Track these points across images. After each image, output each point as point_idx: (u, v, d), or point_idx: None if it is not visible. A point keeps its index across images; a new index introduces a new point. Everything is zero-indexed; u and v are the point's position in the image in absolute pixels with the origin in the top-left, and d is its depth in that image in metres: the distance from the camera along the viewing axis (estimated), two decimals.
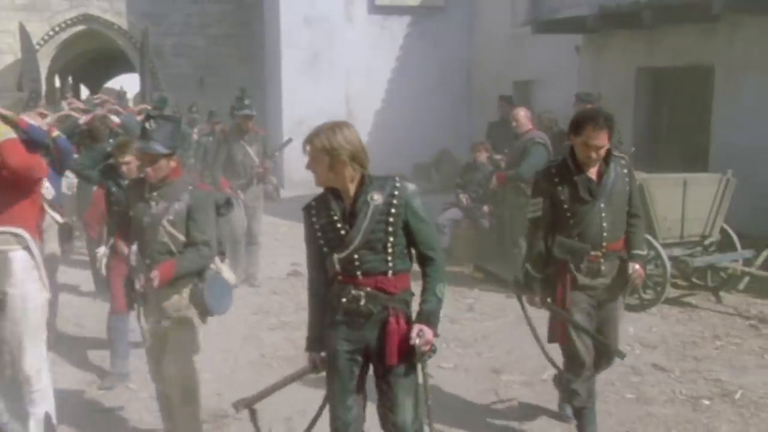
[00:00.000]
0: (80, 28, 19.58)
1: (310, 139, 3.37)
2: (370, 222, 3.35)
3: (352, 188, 3.38)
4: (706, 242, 7.87)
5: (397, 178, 3.45)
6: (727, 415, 5.18)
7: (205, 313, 4.31)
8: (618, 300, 4.57)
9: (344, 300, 3.43)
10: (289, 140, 9.03)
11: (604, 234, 4.36)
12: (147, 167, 4.22)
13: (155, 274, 4.08)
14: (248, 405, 3.65)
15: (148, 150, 4.17)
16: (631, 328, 6.90)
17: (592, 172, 4.36)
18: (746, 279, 7.88)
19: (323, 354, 3.59)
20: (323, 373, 3.62)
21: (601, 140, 4.20)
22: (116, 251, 4.92)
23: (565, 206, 4.37)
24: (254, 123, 8.80)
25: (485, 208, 9.37)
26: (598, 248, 4.37)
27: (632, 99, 11.74)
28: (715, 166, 9.54)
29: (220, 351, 6.44)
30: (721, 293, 7.92)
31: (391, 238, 3.38)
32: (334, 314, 3.49)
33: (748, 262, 7.87)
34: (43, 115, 7.74)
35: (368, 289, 3.40)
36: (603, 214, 4.34)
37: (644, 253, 4.64)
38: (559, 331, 4.54)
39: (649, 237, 6.92)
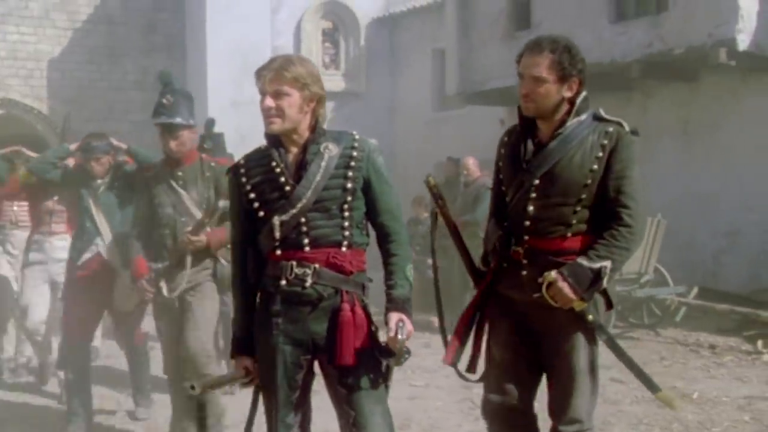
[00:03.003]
0: None
1: (278, 68, 2.68)
2: (324, 175, 2.70)
3: (304, 137, 2.77)
4: (642, 280, 8.40)
5: (354, 132, 2.86)
6: (690, 409, 5.57)
7: None
8: (572, 341, 2.92)
9: (283, 282, 2.70)
10: None
11: (526, 223, 2.93)
12: None
13: None
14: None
15: None
16: None
17: (545, 134, 2.97)
18: (683, 310, 8.41)
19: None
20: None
21: (535, 68, 2.86)
22: None
23: (501, 177, 3.16)
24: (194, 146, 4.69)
25: (429, 260, 9.67)
26: (519, 242, 2.96)
27: None
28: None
29: None
30: (658, 329, 8.41)
31: (349, 198, 2.73)
32: (270, 304, 2.76)
33: (681, 296, 8.43)
34: None
35: (316, 265, 2.69)
36: (532, 195, 2.92)
37: (594, 265, 2.79)
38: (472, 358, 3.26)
39: None
